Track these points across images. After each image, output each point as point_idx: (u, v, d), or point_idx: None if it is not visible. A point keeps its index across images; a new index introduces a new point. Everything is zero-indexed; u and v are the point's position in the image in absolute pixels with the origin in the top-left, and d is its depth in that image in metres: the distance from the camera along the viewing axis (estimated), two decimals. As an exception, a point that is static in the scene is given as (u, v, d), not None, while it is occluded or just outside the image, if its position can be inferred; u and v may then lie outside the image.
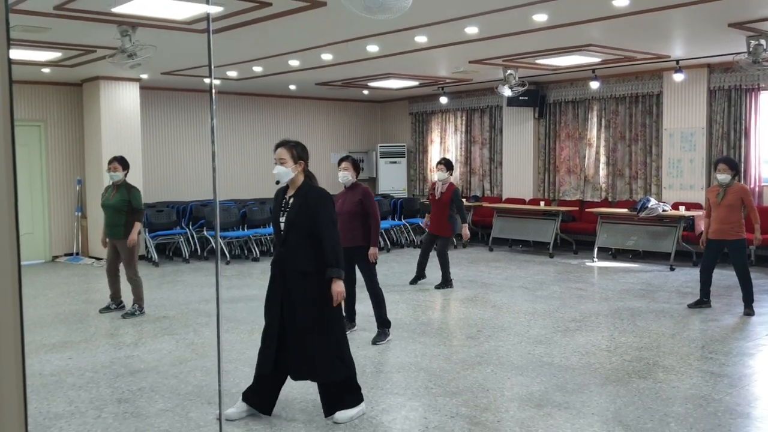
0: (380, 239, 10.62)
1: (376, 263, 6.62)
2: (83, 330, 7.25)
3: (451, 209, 9.08)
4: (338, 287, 4.45)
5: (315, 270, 4.45)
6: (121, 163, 7.89)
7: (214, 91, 2.49)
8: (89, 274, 10.92)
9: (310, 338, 4.46)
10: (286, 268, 4.49)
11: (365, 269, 6.56)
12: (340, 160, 6.78)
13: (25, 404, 1.52)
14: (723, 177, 7.58)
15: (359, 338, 6.61)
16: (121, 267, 7.95)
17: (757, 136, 11.05)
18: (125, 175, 7.91)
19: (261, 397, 4.68)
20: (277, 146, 4.63)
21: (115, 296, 8.12)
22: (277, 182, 4.65)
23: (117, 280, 8.09)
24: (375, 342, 6.49)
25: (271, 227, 4.86)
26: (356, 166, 6.74)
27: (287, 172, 4.56)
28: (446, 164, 9.26)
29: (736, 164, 7.84)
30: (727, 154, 11.06)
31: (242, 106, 14.38)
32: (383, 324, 6.64)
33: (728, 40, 8.93)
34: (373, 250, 6.53)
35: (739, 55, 9.00)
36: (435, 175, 9.45)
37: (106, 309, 8.07)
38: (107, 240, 7.91)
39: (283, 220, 4.55)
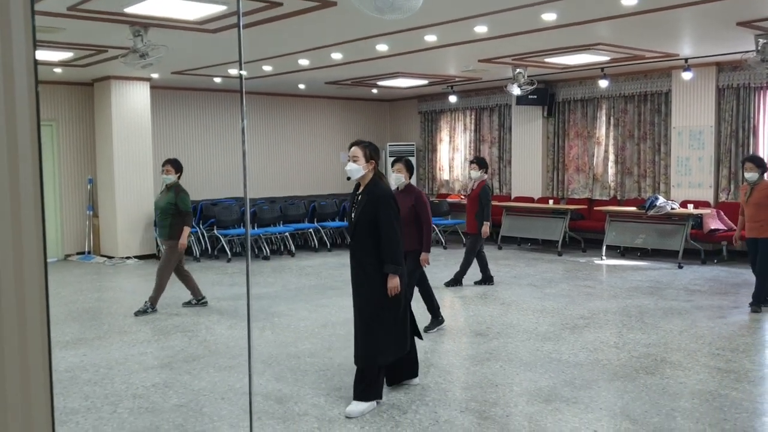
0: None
1: (423, 268, 6.55)
2: (96, 327, 7.34)
3: (479, 206, 9.10)
4: (393, 282, 4.72)
5: (378, 263, 4.75)
6: (174, 165, 8.01)
7: (243, 90, 2.55)
8: (101, 273, 11.03)
9: (364, 324, 4.79)
10: (355, 260, 4.85)
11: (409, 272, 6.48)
12: (394, 162, 6.63)
13: (51, 399, 1.60)
14: (750, 175, 7.61)
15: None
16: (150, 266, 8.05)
17: (766, 134, 11.05)
18: (178, 177, 8.02)
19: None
20: (352, 145, 4.93)
21: (195, 293, 8.25)
22: (348, 178, 4.95)
23: (187, 278, 8.22)
24: None
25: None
26: (410, 168, 6.55)
27: (358, 170, 4.84)
28: (479, 162, 9.29)
29: (763, 162, 7.76)
30: (752, 153, 11.06)
31: (251, 105, 14.46)
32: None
33: (737, 38, 8.95)
34: (425, 256, 6.38)
35: (747, 53, 9.03)
36: (470, 174, 9.49)
37: (188, 303, 8.28)
38: (158, 239, 8.08)
39: (353, 216, 4.87)
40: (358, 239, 4.83)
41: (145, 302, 7.94)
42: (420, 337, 5.35)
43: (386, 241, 4.72)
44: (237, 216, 12.50)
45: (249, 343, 3.64)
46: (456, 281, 9.28)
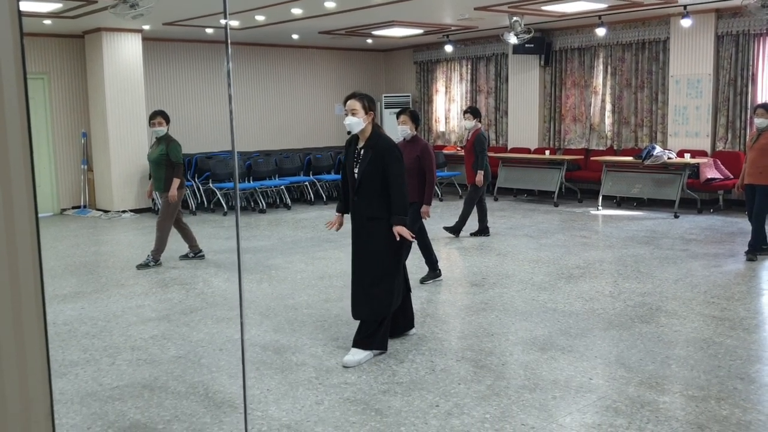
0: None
1: (422, 220, 6.52)
2: (94, 281, 7.36)
3: (474, 155, 9.08)
4: (401, 230, 4.68)
5: (386, 216, 4.75)
6: (165, 117, 7.89)
7: (228, 29, 2.49)
8: (98, 227, 11.01)
9: (368, 278, 4.78)
10: (362, 215, 4.81)
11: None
12: (399, 113, 6.54)
13: (47, 351, 1.59)
14: (760, 121, 7.65)
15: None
16: (163, 219, 7.98)
17: (764, 82, 10.96)
18: (168, 128, 7.93)
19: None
20: (348, 98, 4.85)
21: (193, 246, 8.25)
22: (349, 132, 4.91)
23: (185, 231, 8.19)
24: None
25: (341, 175, 5.19)
26: (415, 119, 6.45)
27: (358, 122, 4.79)
28: (472, 112, 9.28)
29: None
30: (734, 101, 11.06)
31: (245, 56, 14.27)
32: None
33: (737, -17, 8.81)
34: (425, 208, 6.35)
35: (747, -1, 8.90)
36: (464, 124, 9.47)
37: (185, 257, 8.27)
38: (155, 193, 8.13)
39: (357, 171, 4.80)
40: (364, 194, 4.77)
41: (147, 255, 7.94)
42: (409, 290, 5.33)
43: (396, 193, 4.70)
44: (232, 169, 12.42)
45: (240, 294, 3.64)
46: (454, 231, 9.30)
